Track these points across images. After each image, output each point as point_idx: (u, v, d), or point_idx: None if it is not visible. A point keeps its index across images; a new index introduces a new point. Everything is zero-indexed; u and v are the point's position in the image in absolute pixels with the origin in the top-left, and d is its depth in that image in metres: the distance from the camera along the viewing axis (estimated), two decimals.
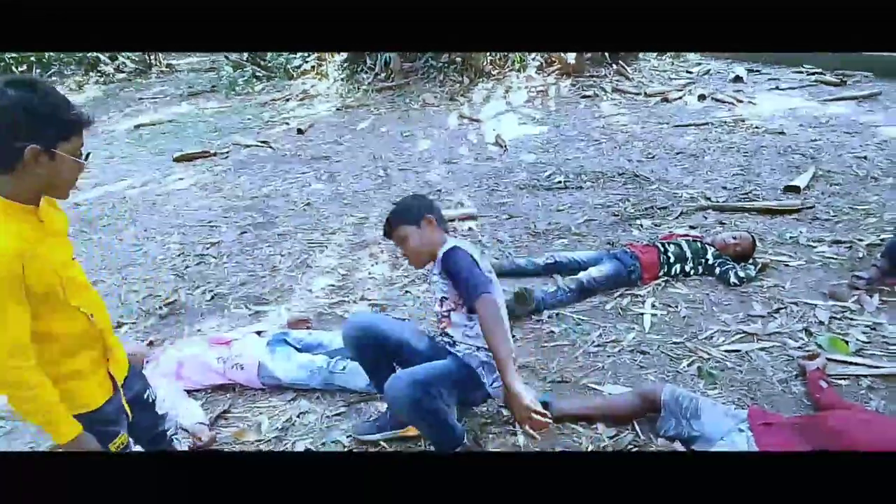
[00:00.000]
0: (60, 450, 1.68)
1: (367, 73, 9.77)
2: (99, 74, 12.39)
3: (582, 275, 3.58)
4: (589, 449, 2.46)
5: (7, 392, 1.57)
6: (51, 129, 1.52)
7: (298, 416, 2.79)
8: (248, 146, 7.35)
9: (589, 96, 8.28)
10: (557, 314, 3.40)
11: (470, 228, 4.64)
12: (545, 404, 2.57)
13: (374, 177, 6.05)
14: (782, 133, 6.26)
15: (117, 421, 1.86)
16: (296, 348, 3.08)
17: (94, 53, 12.53)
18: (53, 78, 12.00)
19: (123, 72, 12.72)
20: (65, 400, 1.66)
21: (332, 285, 3.98)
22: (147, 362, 3.05)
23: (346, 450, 2.56)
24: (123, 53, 12.94)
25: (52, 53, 12.31)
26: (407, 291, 3.80)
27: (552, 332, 3.26)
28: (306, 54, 10.69)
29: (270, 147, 7.27)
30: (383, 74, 9.60)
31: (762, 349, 3.00)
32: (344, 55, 10.22)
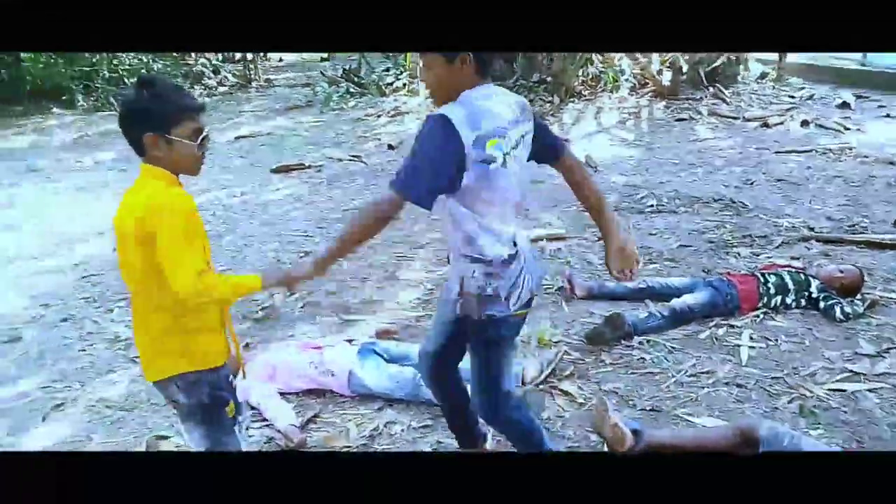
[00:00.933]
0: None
1: None
2: (203, 87, 13.03)
3: (675, 301, 3.49)
4: None
5: (200, 299, 1.83)
6: (160, 119, 1.78)
7: (385, 426, 2.83)
8: (340, 160, 7.56)
9: (684, 119, 8.08)
10: (649, 341, 3.32)
11: (559, 249, 4.61)
12: (635, 432, 2.51)
13: None
14: (893, 163, 5.93)
15: (230, 387, 2.02)
16: (384, 359, 3.13)
17: (199, 68, 13.21)
18: None
19: (225, 85, 13.34)
20: (194, 352, 1.88)
21: (419, 299, 4.03)
22: (244, 364, 3.17)
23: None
24: (226, 68, 13.59)
25: (160, 66, 12.97)
26: None
27: (643, 358, 3.19)
28: (398, 72, 10.90)
29: (362, 162, 7.44)
30: None
31: (870, 390, 2.84)
32: None
